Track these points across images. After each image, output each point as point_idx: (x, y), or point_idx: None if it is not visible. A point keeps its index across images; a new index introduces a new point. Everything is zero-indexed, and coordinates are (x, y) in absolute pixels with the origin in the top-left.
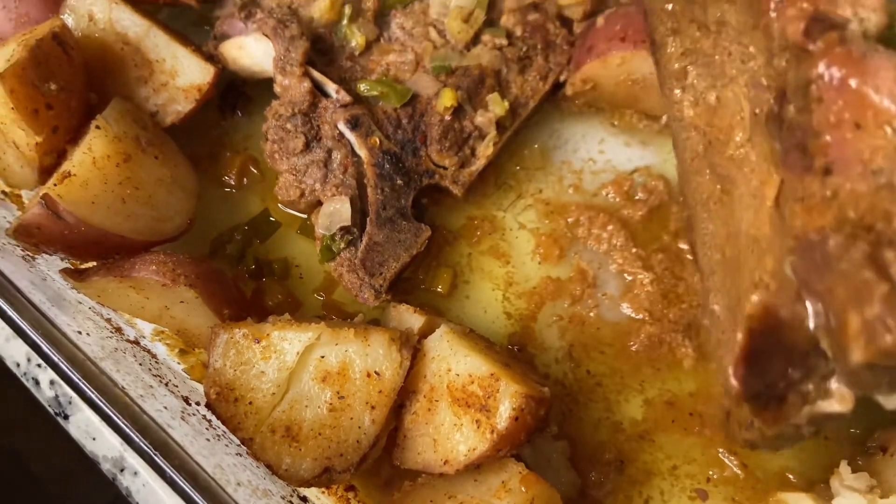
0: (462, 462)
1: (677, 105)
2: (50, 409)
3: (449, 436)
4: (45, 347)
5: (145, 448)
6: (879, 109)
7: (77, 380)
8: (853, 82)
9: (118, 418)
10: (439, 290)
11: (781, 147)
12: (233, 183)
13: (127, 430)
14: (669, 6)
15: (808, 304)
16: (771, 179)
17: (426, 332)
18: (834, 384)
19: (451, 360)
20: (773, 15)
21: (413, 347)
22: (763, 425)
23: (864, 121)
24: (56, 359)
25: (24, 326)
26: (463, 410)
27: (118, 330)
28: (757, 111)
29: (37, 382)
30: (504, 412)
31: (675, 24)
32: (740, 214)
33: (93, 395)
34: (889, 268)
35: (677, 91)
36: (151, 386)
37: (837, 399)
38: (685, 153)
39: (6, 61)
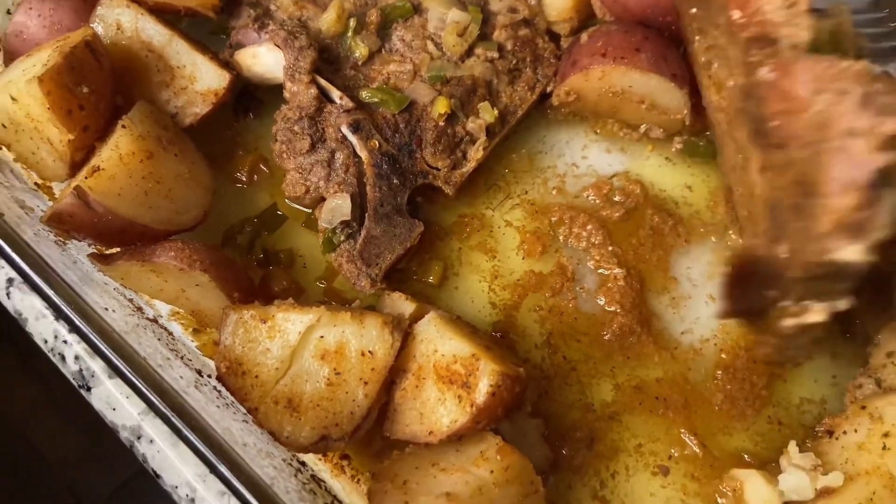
0: (445, 432)
1: (706, 91)
2: (74, 382)
3: (434, 409)
4: (77, 321)
5: (164, 410)
6: (799, 98)
7: (105, 349)
8: (784, 82)
9: (141, 384)
10: (430, 280)
11: (749, 130)
12: (244, 179)
13: (148, 394)
14: (693, 10)
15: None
16: (754, 156)
17: (416, 317)
18: (807, 302)
19: (438, 343)
20: (736, 31)
21: (404, 331)
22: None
23: (792, 108)
24: (86, 331)
25: (58, 302)
26: (447, 387)
27: (139, 309)
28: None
29: (62, 358)
30: (483, 388)
31: (699, 25)
32: (753, 179)
33: (119, 364)
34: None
35: (706, 79)
36: (168, 358)
37: (813, 312)
38: (718, 129)
39: (43, 66)
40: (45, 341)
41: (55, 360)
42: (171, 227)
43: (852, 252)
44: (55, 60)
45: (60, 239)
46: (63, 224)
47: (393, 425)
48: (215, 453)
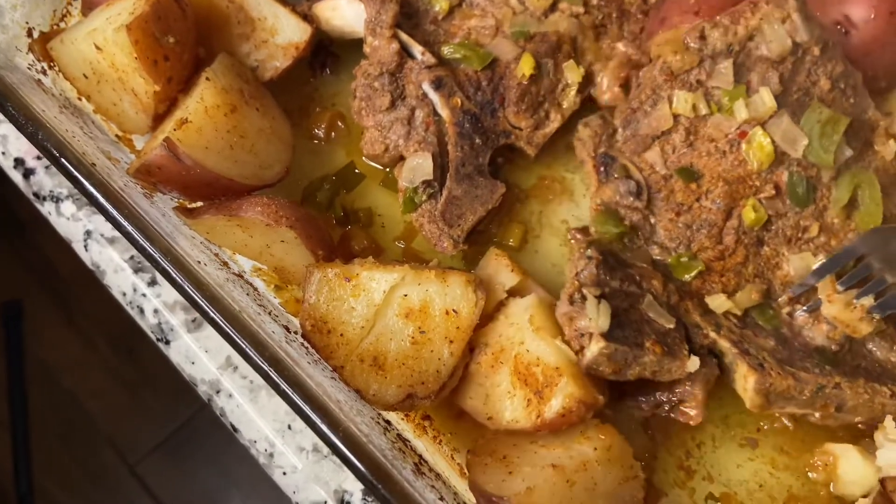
0: (503, 426)
1: None
2: (152, 336)
3: (500, 398)
4: (173, 273)
5: (262, 364)
6: None
7: (202, 302)
8: None
9: (238, 338)
10: (511, 243)
11: None
12: (321, 136)
13: (246, 347)
14: None
15: None
16: None
17: (517, 292)
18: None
19: (527, 335)
20: None
21: (486, 290)
22: None
23: None
24: (181, 281)
25: (154, 253)
26: (521, 384)
27: (225, 264)
28: None
29: (141, 311)
30: (554, 406)
31: None
32: None
33: (215, 317)
34: None
35: None
36: (259, 313)
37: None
38: None
39: (130, 14)
40: (124, 294)
41: (133, 312)
42: (255, 182)
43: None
44: (142, 9)
45: (147, 192)
46: (151, 176)
47: (456, 392)
48: (314, 408)
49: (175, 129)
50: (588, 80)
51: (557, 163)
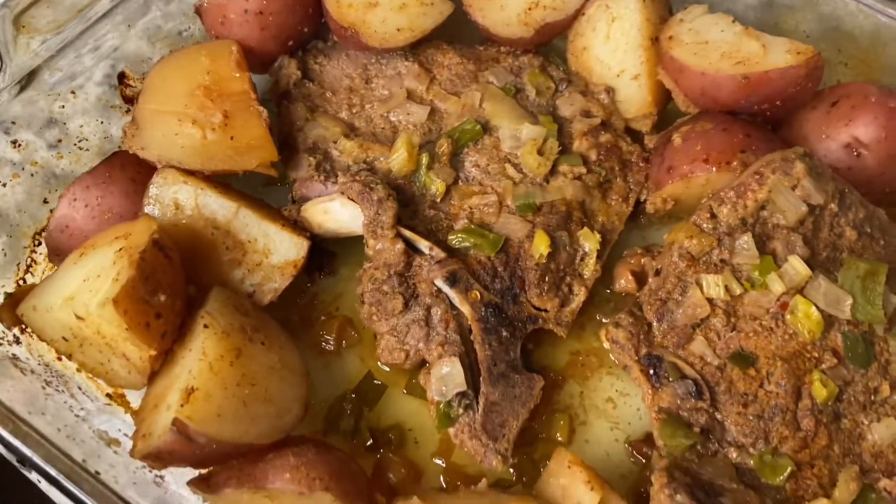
0: None
1: None
2: None
3: None
4: None
5: None
6: None
7: None
8: None
9: None
10: (559, 438)
11: None
12: (331, 347)
13: None
14: None
15: None
16: None
17: None
18: None
19: None
20: None
21: None
22: None
23: None
24: None
25: None
26: None
27: None
28: None
29: None
30: None
31: None
32: None
33: None
34: None
35: None
36: None
37: None
38: None
39: (114, 280)
40: None
41: None
42: (275, 437)
43: None
44: (128, 274)
45: (158, 476)
46: (161, 461)
47: None
48: None
49: (182, 405)
50: (604, 242)
51: (586, 333)
